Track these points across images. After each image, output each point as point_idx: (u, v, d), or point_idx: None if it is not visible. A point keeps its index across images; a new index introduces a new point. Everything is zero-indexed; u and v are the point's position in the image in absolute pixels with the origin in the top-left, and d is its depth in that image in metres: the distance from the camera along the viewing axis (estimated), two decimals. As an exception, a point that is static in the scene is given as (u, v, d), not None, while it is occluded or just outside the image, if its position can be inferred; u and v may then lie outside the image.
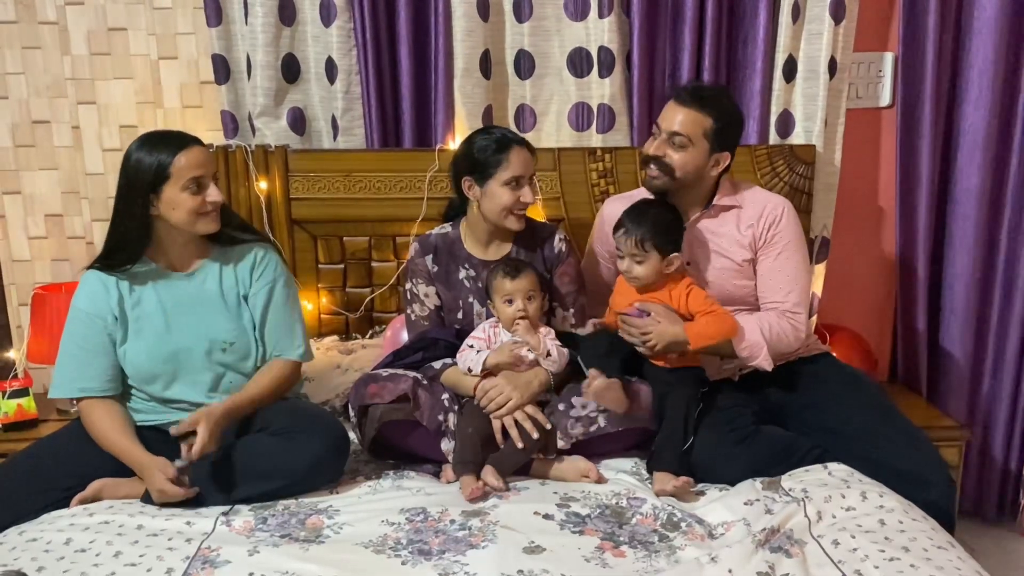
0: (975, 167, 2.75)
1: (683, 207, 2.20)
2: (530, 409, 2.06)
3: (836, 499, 1.85)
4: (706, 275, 2.21)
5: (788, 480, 1.96)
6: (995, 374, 2.87)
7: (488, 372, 2.12)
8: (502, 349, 2.12)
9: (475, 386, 2.10)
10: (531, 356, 2.12)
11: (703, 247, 2.22)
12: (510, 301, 2.14)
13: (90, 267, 2.05)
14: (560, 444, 2.06)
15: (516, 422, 2.04)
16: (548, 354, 2.12)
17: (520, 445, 2.02)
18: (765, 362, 2.09)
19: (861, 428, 2.05)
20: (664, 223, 2.08)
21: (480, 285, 2.25)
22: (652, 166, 2.16)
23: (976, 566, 1.65)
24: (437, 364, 2.19)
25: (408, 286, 2.31)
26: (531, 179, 2.19)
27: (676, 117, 2.12)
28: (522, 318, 2.13)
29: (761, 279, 2.19)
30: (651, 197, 2.21)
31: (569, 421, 2.06)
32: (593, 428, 2.06)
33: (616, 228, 2.11)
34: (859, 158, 2.87)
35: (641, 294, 2.11)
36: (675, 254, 2.08)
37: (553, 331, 2.19)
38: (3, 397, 2.50)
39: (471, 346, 2.16)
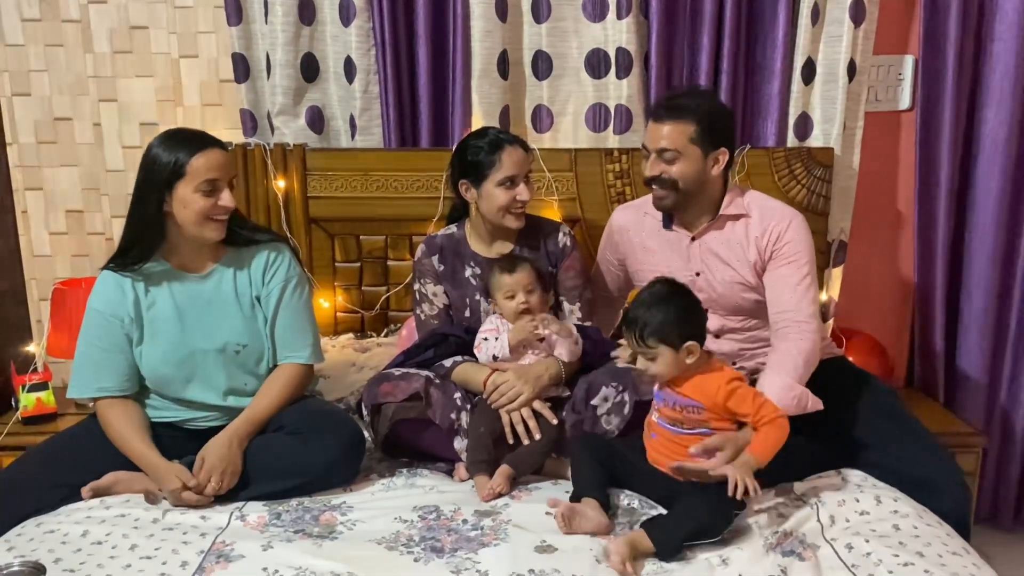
0: (995, 172, 2.73)
1: (691, 219, 2.18)
2: (537, 404, 2.07)
3: (850, 503, 1.84)
4: (716, 287, 2.18)
5: (801, 485, 1.96)
6: (1013, 380, 2.84)
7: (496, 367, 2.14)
8: (519, 326, 2.14)
9: (484, 380, 2.11)
10: (547, 332, 2.12)
11: (712, 259, 2.18)
12: (512, 296, 2.15)
13: (105, 267, 2.05)
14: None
15: (524, 419, 2.05)
16: (574, 339, 2.13)
17: (526, 442, 2.03)
18: (815, 404, 1.98)
19: (874, 435, 2.03)
20: (666, 312, 1.81)
21: None
22: (654, 187, 2.13)
23: (992, 573, 1.64)
24: (448, 362, 2.20)
25: (416, 286, 2.33)
26: (527, 177, 2.20)
27: (658, 134, 2.08)
28: (525, 311, 2.14)
29: (771, 289, 2.12)
30: (660, 216, 2.20)
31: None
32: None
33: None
34: (878, 162, 2.85)
35: (670, 387, 1.87)
36: (690, 343, 1.81)
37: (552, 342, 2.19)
38: (23, 391, 2.53)
39: (486, 339, 2.17)
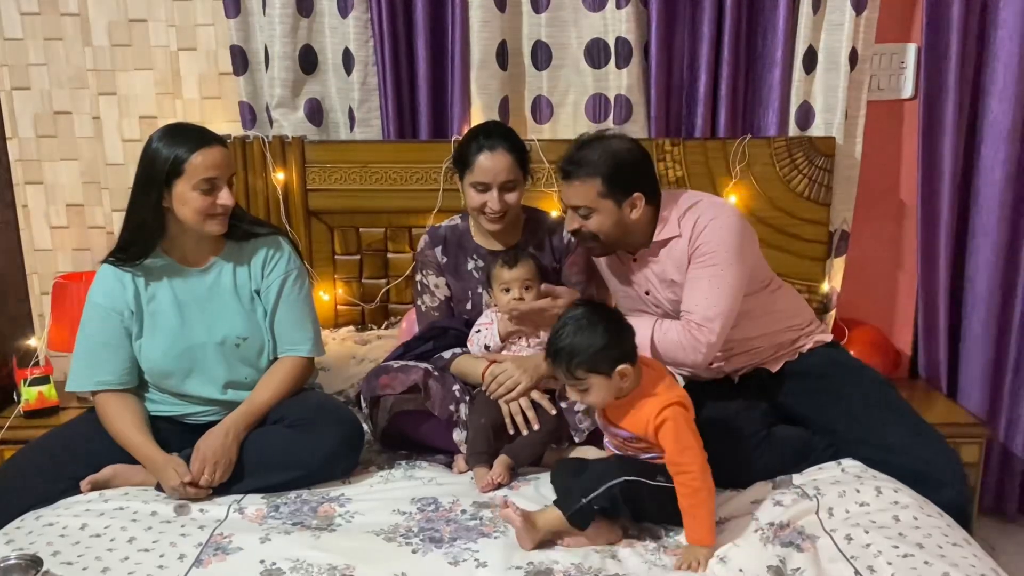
0: (999, 161, 2.70)
1: (629, 249, 2.16)
2: (536, 395, 2.07)
3: (850, 494, 1.84)
4: (665, 305, 2.15)
5: (800, 477, 1.95)
6: (1017, 370, 2.82)
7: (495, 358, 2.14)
8: (473, 364, 2.13)
9: (483, 371, 2.10)
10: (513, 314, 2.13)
11: (655, 281, 2.15)
12: (507, 290, 2.15)
13: (105, 260, 2.05)
14: (576, 439, 2.06)
15: (523, 410, 2.05)
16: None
17: (524, 432, 2.03)
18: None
19: (870, 427, 2.01)
20: (592, 339, 1.71)
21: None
22: (580, 239, 2.13)
23: (992, 564, 1.63)
24: (447, 354, 2.19)
25: (418, 278, 2.32)
26: (510, 184, 2.14)
27: (568, 193, 2.06)
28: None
29: (685, 288, 2.07)
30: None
31: (576, 416, 2.06)
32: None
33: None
34: (880, 151, 2.83)
35: (607, 420, 1.82)
36: (622, 367, 1.72)
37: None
38: (25, 385, 2.53)
39: (478, 331, 2.17)
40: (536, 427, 2.03)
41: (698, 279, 2.03)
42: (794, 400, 2.14)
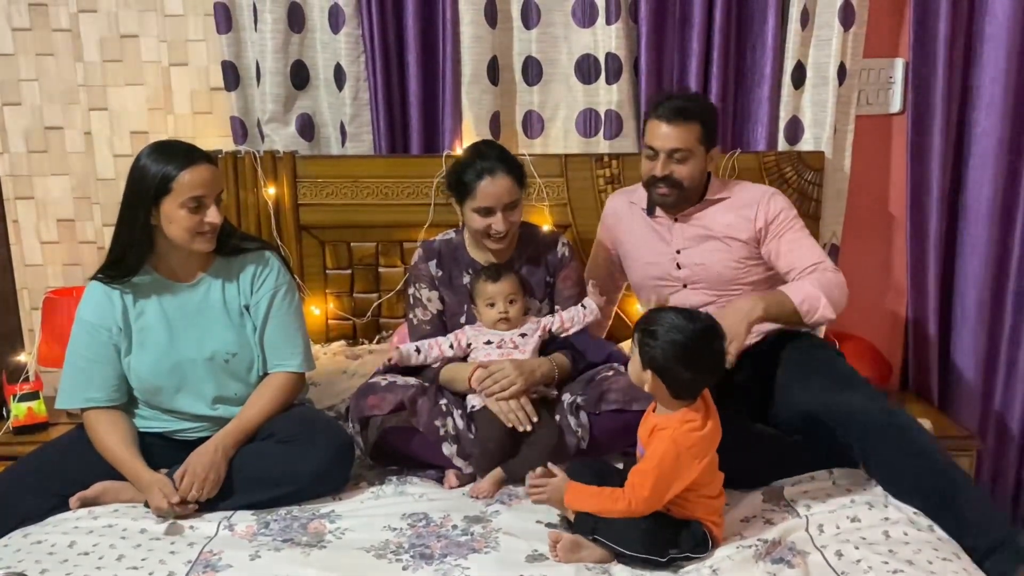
0: (987, 174, 2.73)
1: (678, 210, 2.30)
2: (522, 400, 2.07)
3: (841, 510, 1.84)
4: (697, 259, 2.29)
5: (791, 491, 1.95)
6: (1008, 383, 2.84)
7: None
8: (459, 370, 2.14)
9: (471, 374, 2.11)
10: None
11: (696, 234, 2.30)
12: (492, 304, 2.16)
13: (94, 277, 2.04)
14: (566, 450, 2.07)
15: (516, 409, 2.06)
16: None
17: (521, 429, 2.04)
18: (828, 310, 2.10)
19: (805, 383, 2.07)
20: (664, 338, 1.70)
21: None
22: (661, 185, 2.23)
23: (981, 577, 1.63)
24: (435, 361, 2.21)
25: (411, 291, 2.32)
26: (513, 204, 2.16)
27: (670, 135, 2.19)
28: (503, 320, 2.16)
29: (784, 257, 2.23)
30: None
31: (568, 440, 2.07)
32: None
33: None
34: (869, 165, 2.85)
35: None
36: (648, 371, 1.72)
37: (544, 325, 2.21)
38: (14, 400, 2.52)
39: (451, 347, 2.20)
40: (528, 428, 2.03)
41: (798, 239, 2.23)
42: (754, 381, 2.17)
